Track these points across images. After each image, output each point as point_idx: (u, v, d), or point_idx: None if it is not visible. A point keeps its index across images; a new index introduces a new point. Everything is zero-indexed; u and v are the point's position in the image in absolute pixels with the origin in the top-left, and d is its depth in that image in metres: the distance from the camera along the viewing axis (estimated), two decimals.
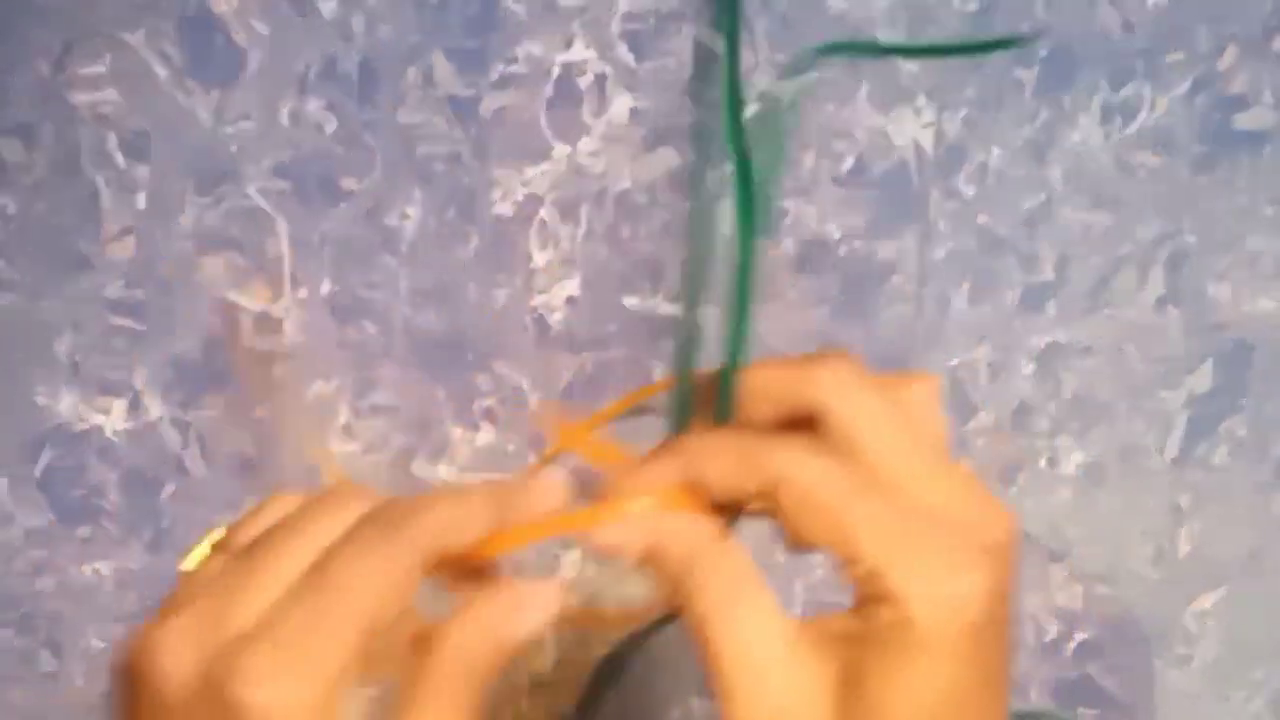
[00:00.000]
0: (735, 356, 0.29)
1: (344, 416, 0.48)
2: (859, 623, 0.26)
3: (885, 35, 0.46)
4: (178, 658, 0.25)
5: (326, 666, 0.25)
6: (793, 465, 0.27)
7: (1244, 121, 0.48)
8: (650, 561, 0.28)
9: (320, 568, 0.26)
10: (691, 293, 0.29)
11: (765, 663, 0.26)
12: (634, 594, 0.32)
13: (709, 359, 0.30)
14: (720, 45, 0.26)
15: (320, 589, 0.26)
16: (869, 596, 0.26)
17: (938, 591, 0.25)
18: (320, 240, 0.47)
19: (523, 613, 0.28)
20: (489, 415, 0.49)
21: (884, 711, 0.26)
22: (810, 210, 0.47)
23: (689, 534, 0.28)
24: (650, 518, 0.28)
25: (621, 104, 0.47)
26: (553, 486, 0.29)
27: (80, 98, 0.46)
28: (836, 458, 0.27)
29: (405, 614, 0.27)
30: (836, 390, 0.28)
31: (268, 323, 0.48)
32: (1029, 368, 0.49)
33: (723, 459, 0.28)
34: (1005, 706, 0.27)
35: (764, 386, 0.29)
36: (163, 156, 0.46)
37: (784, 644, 0.27)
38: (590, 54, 0.46)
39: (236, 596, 0.26)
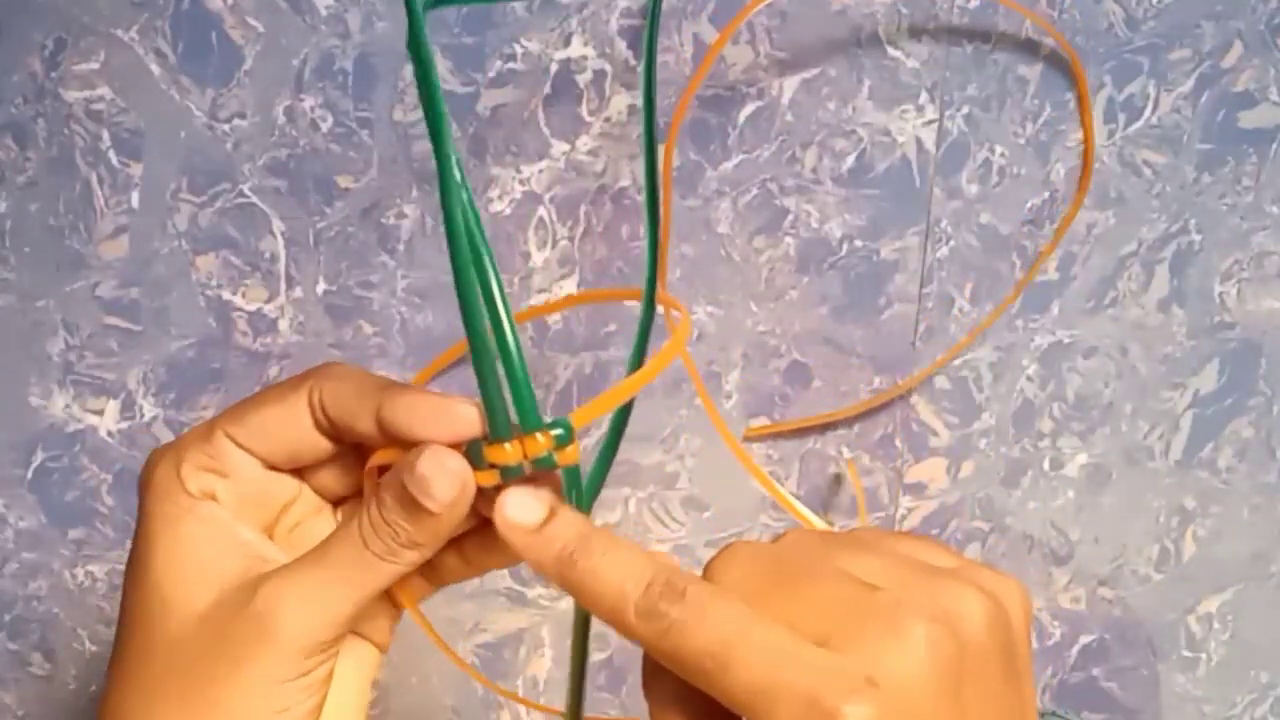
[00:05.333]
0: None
1: None
2: None
3: (885, 32, 0.46)
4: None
5: (182, 455, 0.28)
6: None
7: (1250, 119, 0.47)
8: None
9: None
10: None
11: None
12: None
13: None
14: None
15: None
16: None
17: None
18: (316, 239, 0.47)
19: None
20: None
21: None
22: (811, 209, 0.47)
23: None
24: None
25: (620, 101, 0.46)
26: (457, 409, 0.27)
27: (74, 95, 0.46)
28: None
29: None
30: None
31: (263, 322, 0.47)
32: (1032, 368, 0.49)
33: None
34: None
35: None
36: (157, 154, 0.46)
37: None
38: (589, 51, 0.46)
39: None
